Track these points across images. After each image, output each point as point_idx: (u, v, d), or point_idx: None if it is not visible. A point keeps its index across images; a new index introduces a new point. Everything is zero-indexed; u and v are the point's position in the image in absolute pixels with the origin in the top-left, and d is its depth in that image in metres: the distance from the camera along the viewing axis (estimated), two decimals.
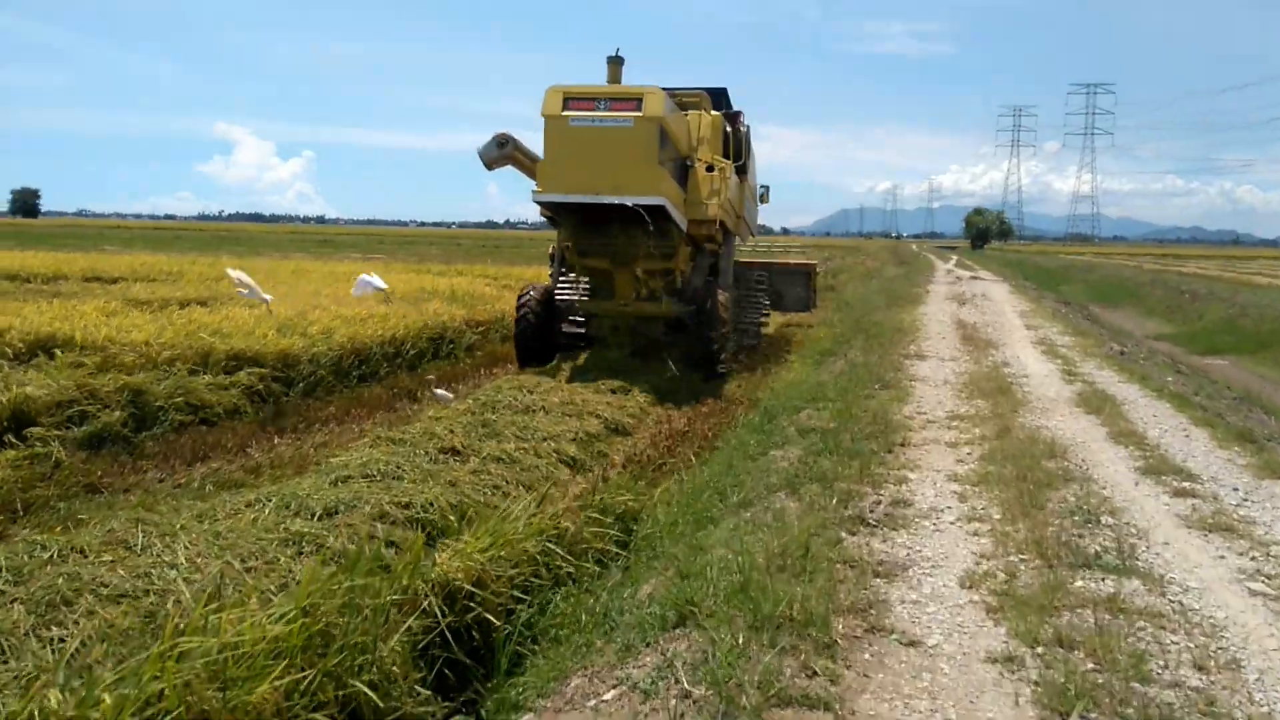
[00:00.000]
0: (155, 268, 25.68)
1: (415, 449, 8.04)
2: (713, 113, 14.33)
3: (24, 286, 19.78)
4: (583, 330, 13.94)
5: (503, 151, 12.66)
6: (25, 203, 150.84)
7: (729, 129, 14.66)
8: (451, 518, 6.27)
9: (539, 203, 12.37)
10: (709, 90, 15.06)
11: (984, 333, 15.73)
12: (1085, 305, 24.69)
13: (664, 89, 13.87)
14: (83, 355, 10.35)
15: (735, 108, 15.44)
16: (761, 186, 18.15)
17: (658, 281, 13.42)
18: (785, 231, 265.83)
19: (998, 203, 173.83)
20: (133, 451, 8.39)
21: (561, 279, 14.17)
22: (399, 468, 7.26)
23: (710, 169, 13.45)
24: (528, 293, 13.64)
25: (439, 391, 10.98)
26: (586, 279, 13.66)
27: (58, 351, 10.42)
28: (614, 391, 11.12)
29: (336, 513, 5.99)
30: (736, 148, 14.81)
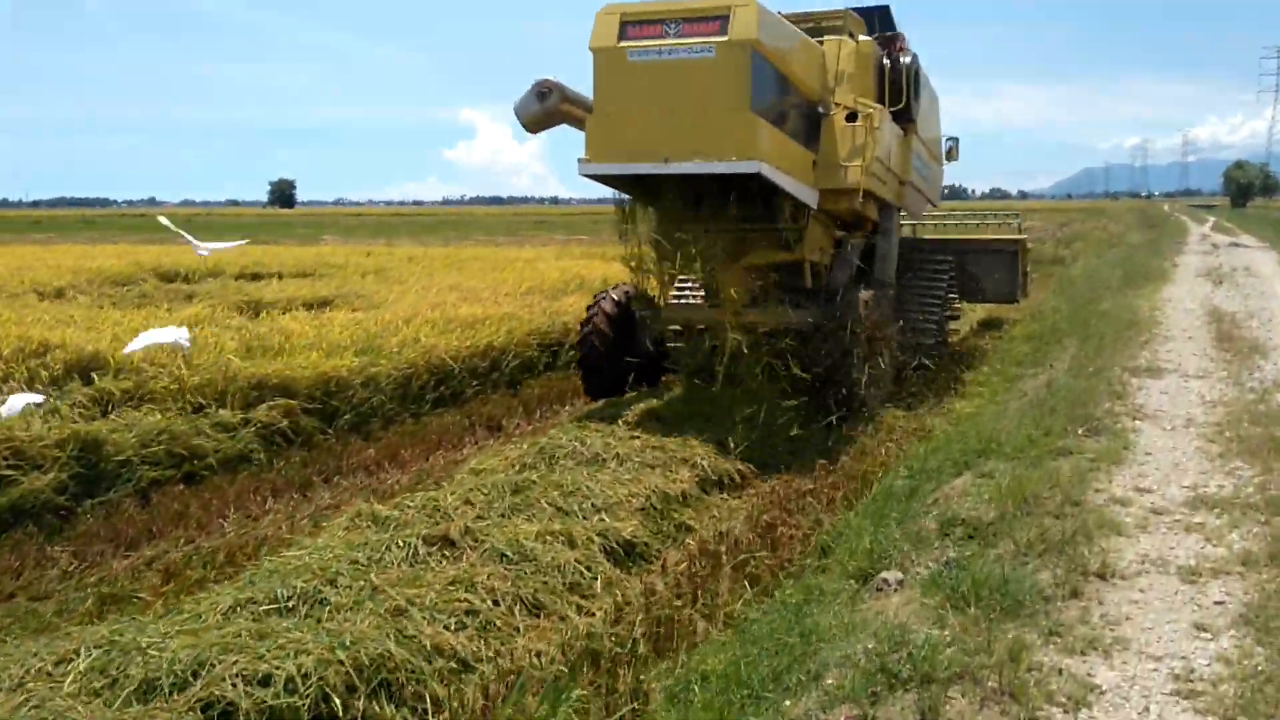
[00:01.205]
0: (325, 260, 24.85)
1: (398, 534, 5.92)
2: (860, 39, 10.62)
3: (165, 287, 18.94)
4: (679, 346, 10.64)
5: (545, 105, 9.40)
6: (283, 193, 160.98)
7: (886, 60, 10.91)
8: (337, 700, 3.96)
9: (586, 176, 9.06)
10: (861, 10, 11.30)
11: (1247, 328, 11.92)
12: None
13: (791, 13, 10.83)
14: (118, 380, 8.80)
15: (897, 30, 11.52)
16: (948, 140, 14.29)
17: (777, 280, 10.25)
18: (1023, 195, 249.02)
19: (1261, 155, 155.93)
20: (59, 530, 6.50)
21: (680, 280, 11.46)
22: (334, 581, 5.07)
23: (852, 117, 9.95)
24: (601, 298, 10.62)
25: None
26: (691, 280, 10.75)
27: (95, 375, 8.94)
28: (710, 432, 8.50)
29: (152, 695, 3.84)
30: (895, 86, 10.92)
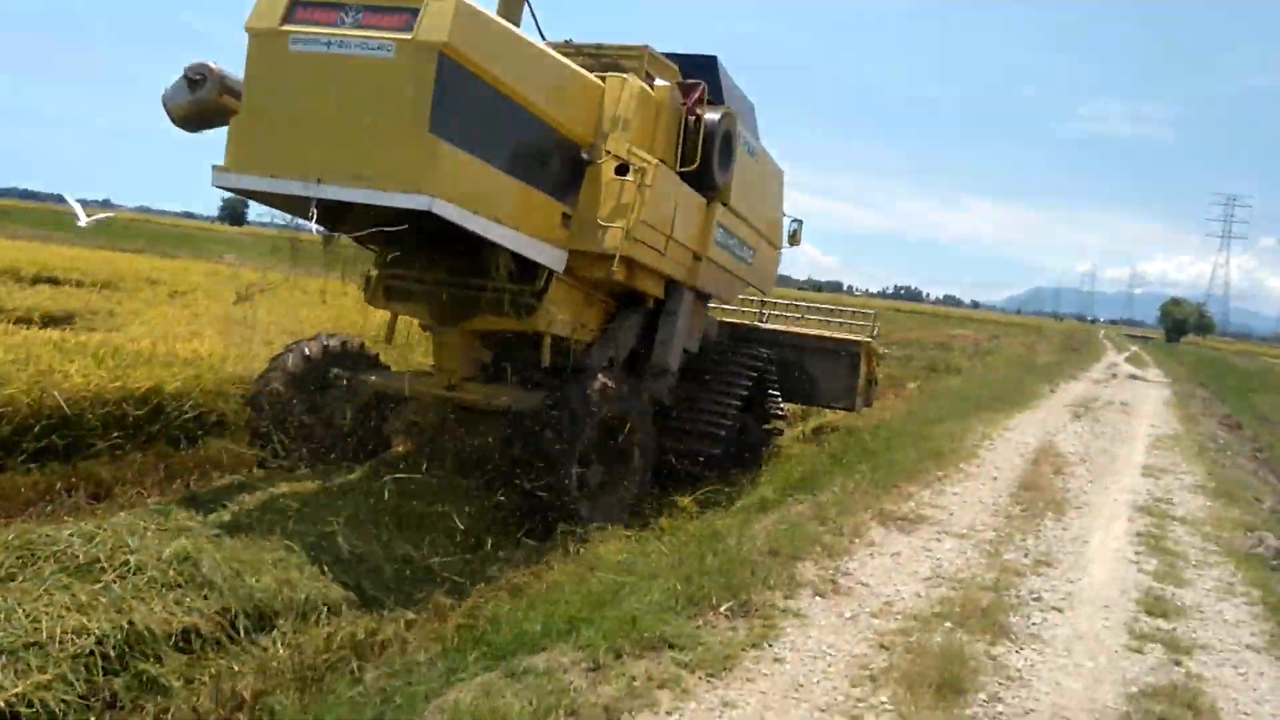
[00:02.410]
0: (144, 274, 22.52)
1: None
2: (658, 83, 8.69)
3: None
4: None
5: (198, 96, 7.32)
6: (233, 211, 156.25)
7: (692, 114, 8.83)
8: None
9: (222, 188, 7.37)
10: (678, 55, 9.44)
11: (1068, 476, 10.08)
12: None
13: (586, 42, 8.99)
14: None
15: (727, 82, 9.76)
16: (792, 221, 12.58)
17: (517, 355, 8.61)
18: (975, 305, 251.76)
19: (1203, 295, 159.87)
20: None
21: None
22: None
23: (623, 170, 8.08)
24: (291, 350, 9.00)
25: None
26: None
27: None
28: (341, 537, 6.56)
29: None
30: (692, 145, 8.78)
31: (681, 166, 8.78)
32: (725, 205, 9.87)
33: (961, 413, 14.30)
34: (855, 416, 14.05)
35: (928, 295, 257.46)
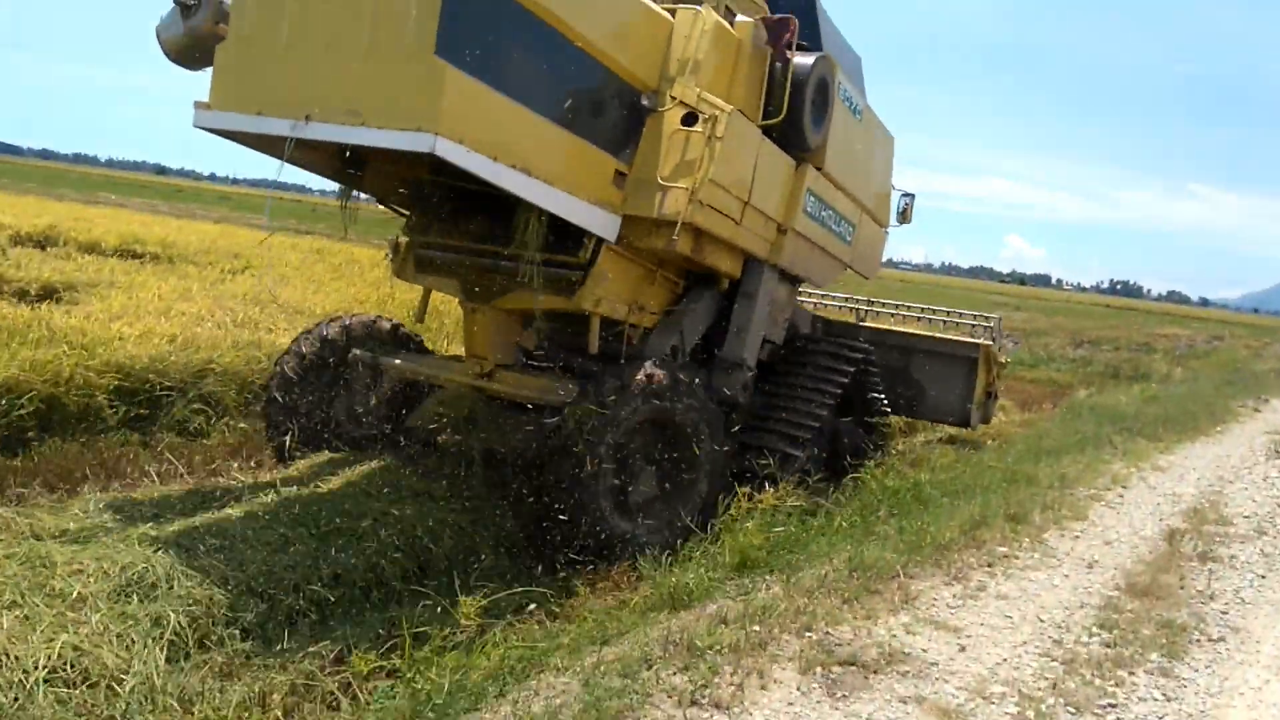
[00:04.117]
0: (221, 247, 20.85)
1: None
2: (739, 19, 7.27)
3: None
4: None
5: (191, 25, 6.13)
6: None
7: (774, 58, 7.31)
8: None
9: (204, 129, 6.11)
10: None
11: (1221, 566, 6.30)
12: None
13: None
14: None
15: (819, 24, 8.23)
16: (903, 196, 10.53)
17: (565, 342, 7.56)
18: (1204, 303, 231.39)
19: None
20: None
21: None
22: None
23: (691, 120, 6.67)
24: (305, 336, 8.14)
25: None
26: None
27: None
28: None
29: None
30: (779, 93, 7.29)
31: (765, 119, 7.38)
32: (819, 170, 8.29)
33: (1104, 438, 10.50)
34: (963, 434, 11.87)
35: (1148, 291, 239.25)
